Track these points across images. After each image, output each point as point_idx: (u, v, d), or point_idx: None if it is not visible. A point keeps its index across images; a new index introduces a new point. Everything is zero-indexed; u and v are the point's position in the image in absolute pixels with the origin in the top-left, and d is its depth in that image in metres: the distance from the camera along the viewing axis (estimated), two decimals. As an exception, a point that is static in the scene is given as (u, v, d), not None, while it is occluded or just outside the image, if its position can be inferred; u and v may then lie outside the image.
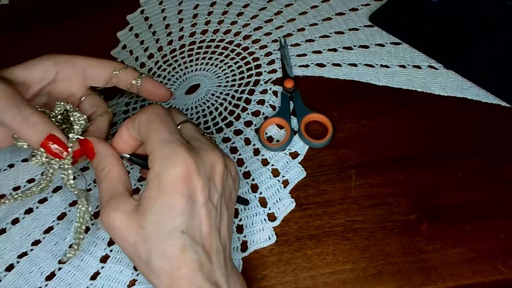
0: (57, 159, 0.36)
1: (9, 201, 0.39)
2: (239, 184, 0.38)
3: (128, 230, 0.31)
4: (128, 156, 0.36)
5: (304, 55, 0.55)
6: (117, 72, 0.41)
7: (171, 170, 0.31)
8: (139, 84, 0.42)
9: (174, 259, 0.30)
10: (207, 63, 0.57)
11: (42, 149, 0.35)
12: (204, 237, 0.32)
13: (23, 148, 0.37)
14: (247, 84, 0.53)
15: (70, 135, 0.36)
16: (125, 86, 0.42)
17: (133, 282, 0.40)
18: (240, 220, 0.43)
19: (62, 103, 0.37)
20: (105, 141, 0.37)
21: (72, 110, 0.38)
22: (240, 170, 0.46)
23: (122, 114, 0.54)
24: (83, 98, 0.41)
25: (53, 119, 0.37)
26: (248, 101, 0.52)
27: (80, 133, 0.37)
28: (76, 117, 0.37)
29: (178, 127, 0.35)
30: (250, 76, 0.54)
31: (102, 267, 0.42)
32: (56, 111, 0.37)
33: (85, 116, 0.38)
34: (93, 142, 0.36)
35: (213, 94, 0.53)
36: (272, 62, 0.55)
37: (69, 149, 0.36)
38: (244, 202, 0.42)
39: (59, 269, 0.42)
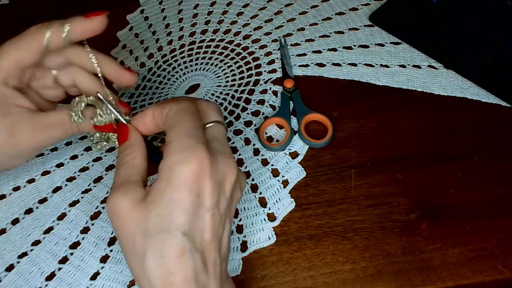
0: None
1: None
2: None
3: (131, 219, 0.30)
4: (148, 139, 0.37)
5: (304, 54, 0.55)
6: (48, 39, 0.37)
7: (185, 164, 0.30)
8: (66, 37, 0.38)
9: (171, 262, 0.29)
10: (207, 63, 0.57)
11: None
12: (205, 245, 0.31)
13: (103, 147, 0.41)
14: (247, 84, 0.53)
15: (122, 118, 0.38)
16: (62, 44, 0.38)
17: (133, 282, 0.40)
18: (240, 220, 0.43)
19: (79, 98, 0.39)
20: (137, 130, 0.36)
21: (94, 102, 0.39)
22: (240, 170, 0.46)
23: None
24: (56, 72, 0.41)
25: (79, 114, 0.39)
26: (248, 101, 0.52)
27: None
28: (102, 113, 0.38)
29: (208, 125, 0.34)
30: (250, 76, 0.54)
31: (102, 267, 0.42)
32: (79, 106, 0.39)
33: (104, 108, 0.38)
34: (129, 128, 0.36)
35: (213, 94, 0.53)
36: (272, 62, 0.55)
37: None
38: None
39: (59, 269, 0.42)
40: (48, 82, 0.41)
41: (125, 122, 0.37)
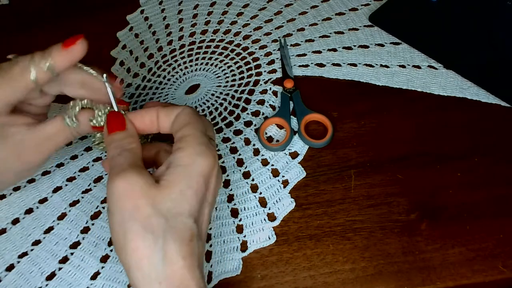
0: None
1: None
2: None
3: (146, 200, 0.30)
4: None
5: (304, 55, 0.55)
6: (34, 78, 0.36)
7: (205, 157, 0.32)
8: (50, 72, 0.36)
9: (183, 246, 0.30)
10: (207, 63, 0.57)
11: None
12: (203, 235, 0.32)
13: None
14: (247, 84, 0.53)
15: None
16: (51, 78, 0.37)
17: (133, 282, 0.40)
18: (240, 220, 0.43)
19: (73, 103, 0.38)
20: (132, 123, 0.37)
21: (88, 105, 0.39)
22: (240, 170, 0.46)
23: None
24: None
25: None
26: (248, 101, 0.52)
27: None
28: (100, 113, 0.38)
29: None
30: (250, 76, 0.54)
31: (102, 267, 0.42)
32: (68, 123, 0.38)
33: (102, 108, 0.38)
34: (126, 119, 0.36)
35: (213, 94, 0.53)
36: (272, 62, 0.55)
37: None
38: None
39: (60, 269, 0.42)
40: (35, 95, 0.39)
41: (122, 112, 0.37)
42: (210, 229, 0.42)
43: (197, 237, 0.31)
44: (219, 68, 0.56)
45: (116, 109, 0.37)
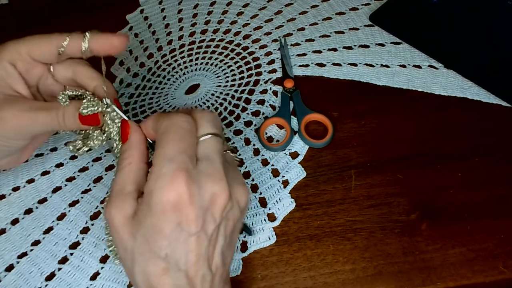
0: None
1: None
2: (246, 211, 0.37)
3: (123, 233, 0.31)
4: (151, 141, 0.36)
5: (304, 54, 0.54)
6: (64, 46, 0.37)
7: (162, 193, 0.29)
8: (86, 47, 0.37)
9: (154, 278, 0.31)
10: (207, 63, 0.57)
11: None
12: (190, 265, 0.31)
13: (84, 153, 0.39)
14: (247, 84, 0.53)
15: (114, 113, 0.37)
16: (78, 55, 0.38)
17: (133, 283, 0.40)
18: (240, 220, 0.43)
19: (62, 94, 0.37)
20: (140, 129, 0.35)
21: (75, 94, 0.38)
22: (240, 170, 0.46)
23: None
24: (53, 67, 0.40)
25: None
26: (248, 101, 0.52)
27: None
28: (88, 102, 0.37)
29: (202, 139, 0.33)
30: (250, 76, 0.54)
31: (102, 268, 0.42)
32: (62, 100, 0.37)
33: (90, 98, 0.37)
34: (131, 127, 0.35)
35: (213, 94, 0.53)
36: (272, 61, 0.55)
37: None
38: (248, 231, 0.41)
39: (59, 269, 0.42)
40: (50, 80, 0.41)
41: (125, 118, 0.36)
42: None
43: (174, 270, 0.30)
44: (219, 67, 0.56)
45: (125, 118, 0.36)
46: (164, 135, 0.32)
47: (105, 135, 0.37)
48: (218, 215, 0.31)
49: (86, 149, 0.39)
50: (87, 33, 0.37)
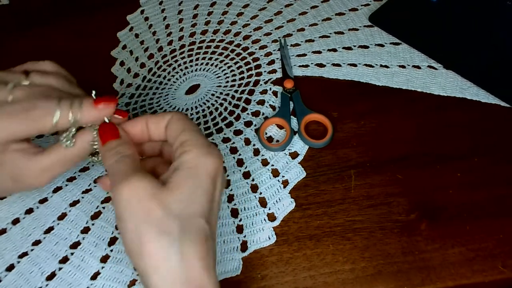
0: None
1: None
2: None
3: (156, 203, 0.30)
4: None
5: (304, 55, 0.55)
6: (56, 122, 0.36)
7: (210, 158, 0.32)
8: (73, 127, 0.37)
9: (199, 247, 0.30)
10: (207, 63, 0.57)
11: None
12: (215, 235, 0.32)
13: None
14: (247, 84, 0.53)
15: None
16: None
17: (133, 282, 0.40)
18: (240, 220, 0.43)
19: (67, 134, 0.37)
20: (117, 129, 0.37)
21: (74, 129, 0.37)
22: (240, 170, 0.46)
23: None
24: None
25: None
26: (248, 101, 0.52)
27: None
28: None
29: None
30: (250, 76, 0.54)
31: (103, 267, 0.42)
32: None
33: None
34: (120, 129, 0.36)
35: (213, 95, 0.53)
36: (272, 62, 0.55)
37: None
38: None
39: (60, 269, 0.42)
40: None
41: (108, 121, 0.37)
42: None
43: (211, 238, 0.31)
44: (219, 68, 0.56)
45: (107, 121, 0.37)
46: (182, 121, 0.35)
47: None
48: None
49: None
50: (74, 116, 0.36)
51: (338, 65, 0.53)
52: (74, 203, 0.46)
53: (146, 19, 0.64)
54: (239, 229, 0.42)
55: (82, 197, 0.46)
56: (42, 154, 0.37)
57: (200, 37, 0.60)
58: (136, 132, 0.37)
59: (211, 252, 0.31)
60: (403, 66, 0.51)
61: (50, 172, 0.37)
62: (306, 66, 0.53)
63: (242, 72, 0.55)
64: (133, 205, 0.30)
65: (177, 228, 0.30)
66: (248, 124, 0.50)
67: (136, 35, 0.62)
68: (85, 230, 0.44)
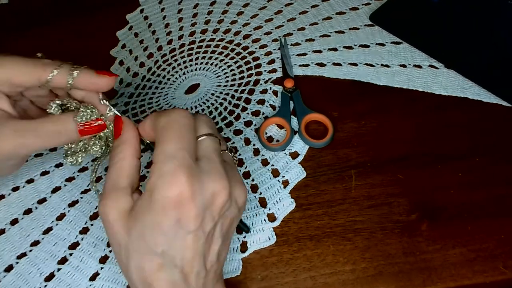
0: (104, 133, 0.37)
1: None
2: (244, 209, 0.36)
3: (118, 229, 0.31)
4: (148, 142, 0.36)
5: (304, 54, 0.54)
6: (52, 75, 0.35)
7: (164, 190, 0.29)
8: (70, 81, 0.36)
9: (149, 274, 0.31)
10: (206, 63, 0.57)
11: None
12: (186, 262, 0.31)
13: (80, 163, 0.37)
14: (247, 83, 0.53)
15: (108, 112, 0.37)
16: (62, 87, 0.36)
17: (132, 283, 0.40)
18: (240, 220, 0.43)
19: (53, 105, 0.36)
20: (134, 125, 0.35)
21: (66, 103, 0.37)
22: (240, 170, 0.46)
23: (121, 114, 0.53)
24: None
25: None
26: (248, 101, 0.51)
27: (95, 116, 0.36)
28: (85, 112, 0.36)
29: (199, 139, 0.33)
30: (250, 75, 0.54)
31: (101, 268, 0.41)
32: (53, 110, 0.36)
33: (87, 107, 0.36)
34: (124, 122, 0.35)
35: (212, 94, 0.53)
36: (272, 61, 0.55)
37: (106, 118, 0.36)
38: (246, 229, 0.41)
39: (58, 270, 0.42)
40: (43, 92, 0.39)
41: (118, 114, 0.36)
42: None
43: (170, 266, 0.30)
44: (219, 67, 0.56)
45: (117, 113, 0.36)
46: (164, 132, 0.31)
47: (103, 140, 0.37)
48: (216, 213, 0.31)
49: (82, 159, 0.38)
50: (74, 72, 0.35)
51: (339, 64, 0.53)
52: (73, 204, 0.46)
53: (146, 18, 0.64)
54: (239, 229, 0.42)
55: (81, 198, 0.46)
56: (20, 119, 0.36)
57: (200, 36, 0.60)
58: (147, 130, 0.35)
59: (169, 276, 0.31)
60: (404, 66, 0.51)
61: (22, 138, 0.35)
62: (307, 65, 0.53)
63: (242, 72, 0.55)
64: (104, 224, 0.32)
65: (126, 257, 0.31)
66: (248, 123, 0.49)
67: (136, 34, 0.62)
68: (84, 231, 0.44)
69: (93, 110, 0.36)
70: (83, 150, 0.37)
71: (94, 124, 0.36)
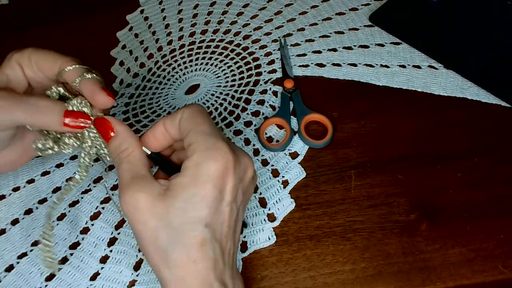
0: (90, 138, 0.36)
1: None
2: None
3: (152, 214, 0.31)
4: (150, 152, 0.36)
5: (304, 55, 0.54)
6: (74, 67, 0.37)
7: (212, 162, 0.31)
8: (78, 80, 0.36)
9: (193, 251, 0.31)
10: (206, 63, 0.57)
11: (68, 133, 0.36)
12: (223, 236, 0.32)
13: (49, 155, 0.37)
14: (247, 84, 0.53)
15: (86, 110, 0.36)
16: (71, 82, 0.37)
17: (132, 283, 0.40)
18: (240, 220, 0.43)
19: (54, 89, 0.37)
20: (121, 122, 0.35)
21: (67, 94, 0.37)
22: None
23: (121, 114, 0.54)
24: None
25: None
26: (248, 101, 0.52)
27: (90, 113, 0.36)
28: (77, 102, 0.36)
29: None
30: (250, 76, 0.54)
31: (102, 268, 0.42)
32: (51, 93, 0.37)
33: (82, 100, 0.36)
34: (112, 123, 0.35)
35: (212, 94, 0.53)
36: (272, 62, 0.55)
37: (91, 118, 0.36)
38: (243, 224, 0.41)
39: (59, 269, 0.42)
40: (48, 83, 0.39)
41: (102, 115, 0.36)
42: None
43: (212, 241, 0.31)
44: (219, 68, 0.56)
45: (101, 115, 0.36)
46: (191, 119, 0.33)
47: (78, 140, 0.37)
48: (245, 188, 0.33)
49: (52, 152, 0.37)
50: (88, 75, 0.36)
51: (338, 65, 0.53)
52: (73, 204, 0.46)
53: (146, 18, 0.64)
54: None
55: (82, 198, 0.46)
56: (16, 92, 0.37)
57: (200, 37, 0.60)
58: (159, 137, 0.36)
59: (212, 255, 0.31)
60: (403, 66, 0.51)
61: (6, 109, 0.35)
62: (306, 66, 0.53)
63: (242, 72, 0.55)
64: (131, 216, 0.32)
65: (168, 237, 0.31)
66: (248, 124, 0.50)
67: (136, 35, 0.62)
68: (85, 231, 0.44)
69: (87, 104, 0.36)
70: (56, 140, 0.37)
71: (80, 120, 0.35)
